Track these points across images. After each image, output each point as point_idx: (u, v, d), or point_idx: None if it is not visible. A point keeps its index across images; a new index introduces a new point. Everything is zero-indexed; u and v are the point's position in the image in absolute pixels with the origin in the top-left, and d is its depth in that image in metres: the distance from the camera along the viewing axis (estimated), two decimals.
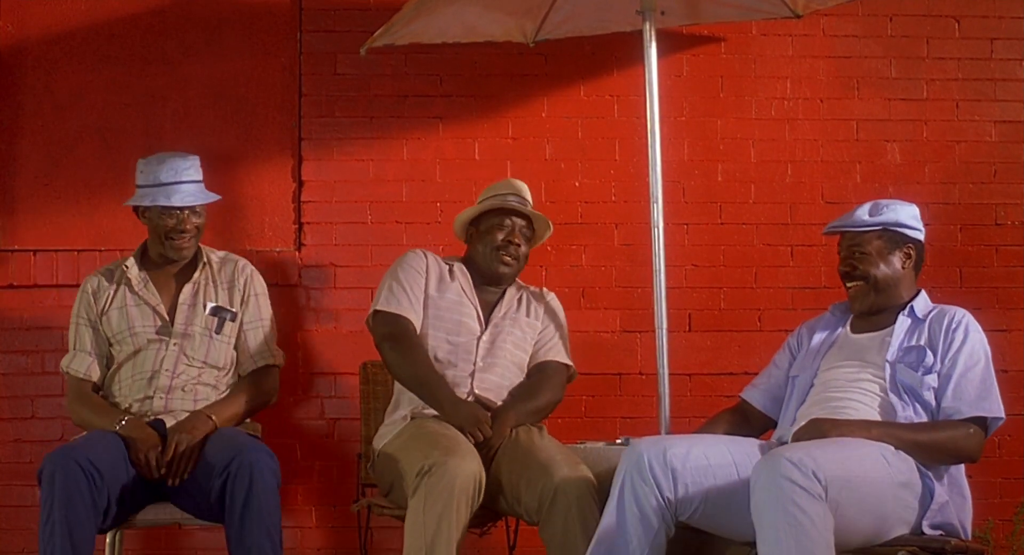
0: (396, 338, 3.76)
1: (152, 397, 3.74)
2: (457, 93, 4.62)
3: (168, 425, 3.66)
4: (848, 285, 3.56)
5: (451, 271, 3.91)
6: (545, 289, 4.07)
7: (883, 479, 3.16)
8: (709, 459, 3.24)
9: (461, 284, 3.89)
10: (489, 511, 3.66)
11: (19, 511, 4.39)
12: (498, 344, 3.84)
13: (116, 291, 3.88)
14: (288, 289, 4.48)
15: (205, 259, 3.94)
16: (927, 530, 3.25)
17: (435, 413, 3.70)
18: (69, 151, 4.51)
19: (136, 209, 3.92)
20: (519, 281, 4.03)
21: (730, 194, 4.65)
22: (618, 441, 3.76)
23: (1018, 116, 4.72)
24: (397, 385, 3.86)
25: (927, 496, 3.25)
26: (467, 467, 3.36)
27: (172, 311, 3.86)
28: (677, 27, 4.56)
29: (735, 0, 4.39)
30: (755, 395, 3.72)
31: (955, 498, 3.33)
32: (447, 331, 3.82)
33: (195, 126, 4.51)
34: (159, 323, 3.84)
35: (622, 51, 4.57)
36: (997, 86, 4.73)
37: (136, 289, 3.86)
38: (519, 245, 3.88)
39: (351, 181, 4.57)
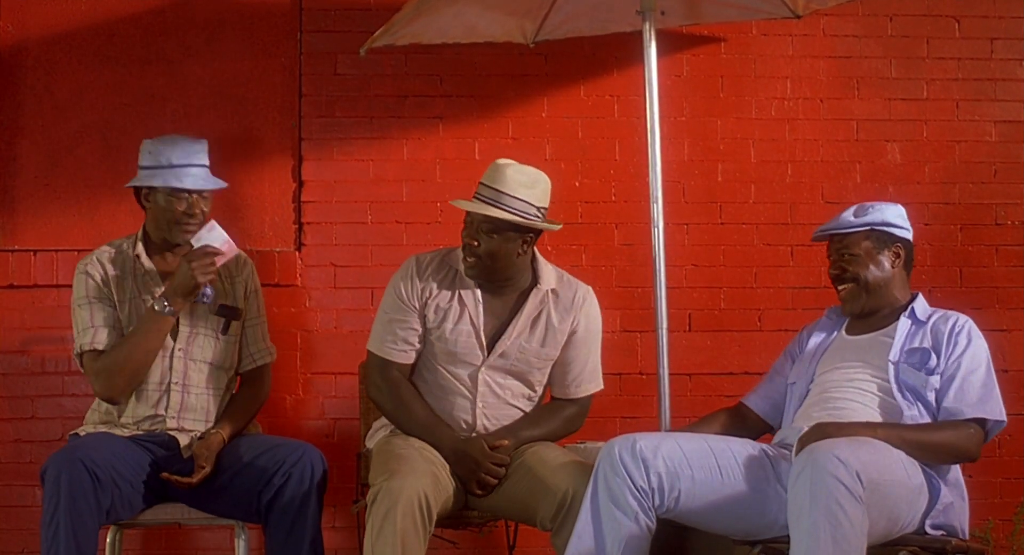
0: (387, 386, 3.64)
1: (164, 417, 3.64)
2: (457, 93, 4.62)
3: (181, 443, 3.62)
4: (839, 288, 3.57)
5: (453, 293, 3.64)
6: (581, 291, 3.73)
7: (902, 483, 3.17)
8: (684, 450, 3.23)
9: (466, 307, 3.63)
10: (490, 512, 3.67)
11: (19, 511, 4.39)
12: (500, 379, 3.65)
13: (122, 281, 3.69)
14: (288, 289, 4.48)
15: None
16: (929, 530, 3.26)
17: None
18: (69, 151, 4.51)
19: (138, 192, 3.75)
20: (557, 273, 3.73)
21: (730, 194, 4.65)
22: None
23: (1018, 116, 4.72)
24: None
25: (934, 497, 3.26)
26: (408, 488, 3.28)
27: None
28: (677, 27, 4.56)
29: (735, 0, 4.39)
30: (754, 399, 3.72)
31: (955, 500, 3.34)
32: (444, 362, 3.64)
33: (195, 126, 4.51)
34: None
35: (622, 51, 4.57)
36: (997, 86, 4.73)
37: (146, 279, 3.70)
38: (476, 244, 3.55)
39: (351, 181, 4.57)
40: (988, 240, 4.69)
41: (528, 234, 3.60)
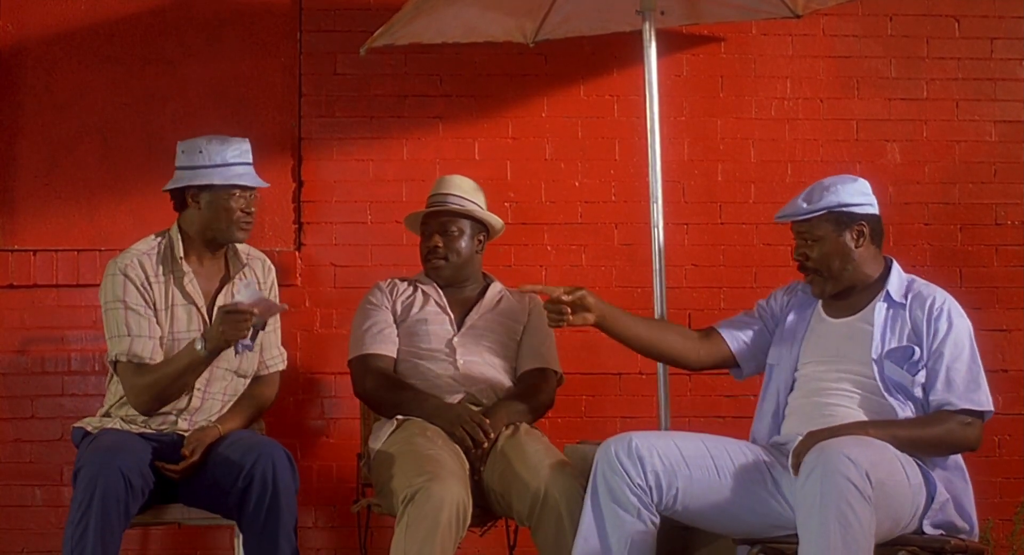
0: (369, 375, 3.79)
1: (176, 417, 3.61)
2: (457, 93, 4.62)
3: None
4: (804, 274, 3.51)
5: (415, 289, 3.94)
6: (529, 297, 4.01)
7: (904, 482, 3.15)
8: (680, 448, 3.24)
9: (429, 296, 3.91)
10: (488, 511, 3.67)
11: (19, 511, 4.39)
12: (474, 346, 3.84)
13: (166, 285, 3.59)
14: (288, 289, 4.47)
15: (245, 259, 3.74)
16: (928, 529, 3.24)
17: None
18: (69, 151, 4.51)
19: (183, 191, 3.62)
20: (502, 285, 4.02)
21: (730, 194, 4.65)
22: None
23: (1018, 116, 4.72)
24: None
25: (930, 495, 3.25)
26: (451, 493, 3.31)
27: (209, 315, 3.62)
28: (677, 27, 4.57)
29: (735, 0, 4.39)
30: (729, 333, 3.61)
31: (957, 483, 3.30)
32: (420, 341, 3.84)
33: (195, 126, 4.50)
34: (200, 330, 3.58)
35: (622, 51, 4.57)
36: (997, 86, 4.74)
37: (184, 284, 3.61)
38: (438, 246, 3.88)
39: (351, 181, 4.57)
40: (988, 240, 4.69)
41: (481, 233, 3.95)
